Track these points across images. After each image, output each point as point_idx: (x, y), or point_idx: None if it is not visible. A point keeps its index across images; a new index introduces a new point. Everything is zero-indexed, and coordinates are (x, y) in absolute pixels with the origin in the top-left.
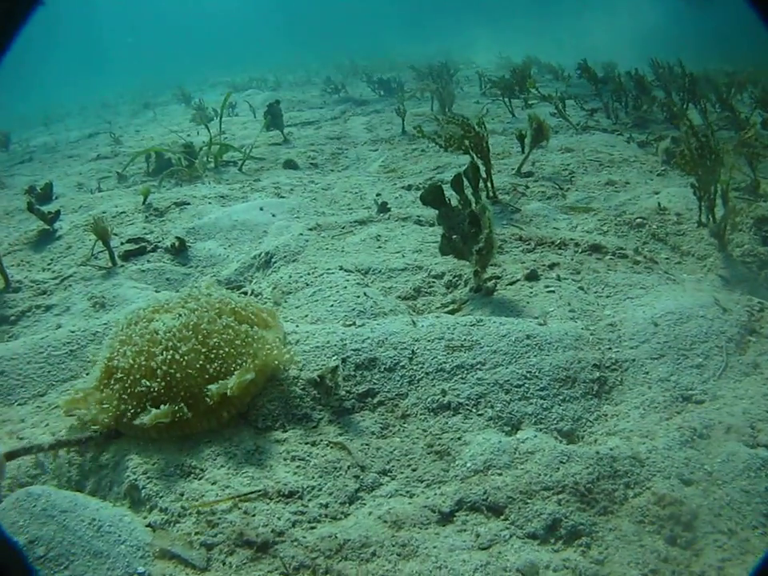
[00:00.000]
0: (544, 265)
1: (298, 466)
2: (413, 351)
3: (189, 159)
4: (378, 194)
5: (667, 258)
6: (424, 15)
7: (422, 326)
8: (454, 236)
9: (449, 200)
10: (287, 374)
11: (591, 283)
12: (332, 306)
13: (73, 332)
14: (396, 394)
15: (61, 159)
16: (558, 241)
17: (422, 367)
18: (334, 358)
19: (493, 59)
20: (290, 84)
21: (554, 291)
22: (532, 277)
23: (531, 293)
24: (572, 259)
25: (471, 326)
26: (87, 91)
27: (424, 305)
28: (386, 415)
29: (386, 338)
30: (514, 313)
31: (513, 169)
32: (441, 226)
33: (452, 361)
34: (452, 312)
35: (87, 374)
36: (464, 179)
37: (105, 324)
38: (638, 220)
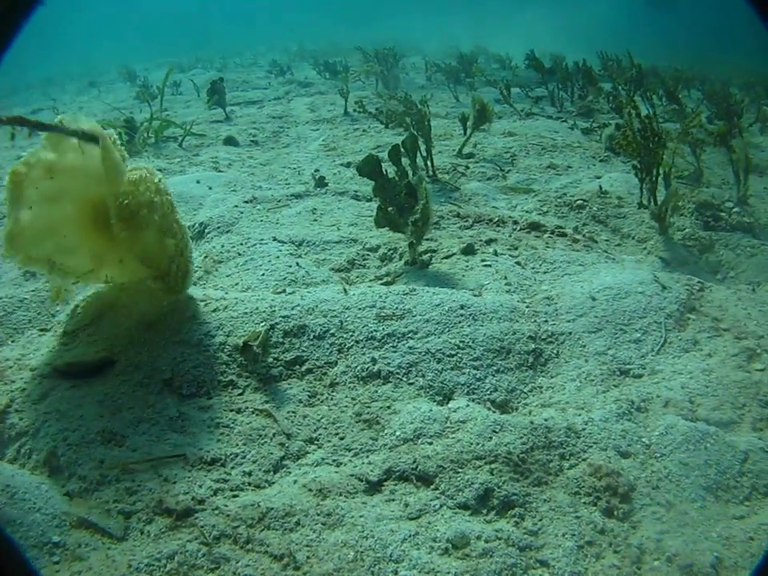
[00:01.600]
0: (481, 240)
1: (221, 434)
2: (342, 319)
3: (129, 134)
4: (316, 170)
5: (607, 240)
6: (374, 5)
7: (353, 294)
8: (390, 208)
9: (386, 172)
10: (213, 341)
11: (529, 259)
12: (263, 275)
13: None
14: (325, 362)
15: (1, 134)
16: (497, 218)
17: (352, 335)
18: (262, 324)
19: (441, 48)
20: (236, 65)
21: (490, 266)
22: (468, 251)
23: (467, 266)
24: (510, 236)
25: (404, 294)
26: (34, 69)
27: (357, 277)
28: (314, 383)
29: (316, 306)
30: (449, 285)
31: (454, 150)
32: (377, 197)
33: (383, 329)
34: (386, 285)
35: (12, 341)
36: (401, 150)
37: (33, 291)
38: (579, 202)
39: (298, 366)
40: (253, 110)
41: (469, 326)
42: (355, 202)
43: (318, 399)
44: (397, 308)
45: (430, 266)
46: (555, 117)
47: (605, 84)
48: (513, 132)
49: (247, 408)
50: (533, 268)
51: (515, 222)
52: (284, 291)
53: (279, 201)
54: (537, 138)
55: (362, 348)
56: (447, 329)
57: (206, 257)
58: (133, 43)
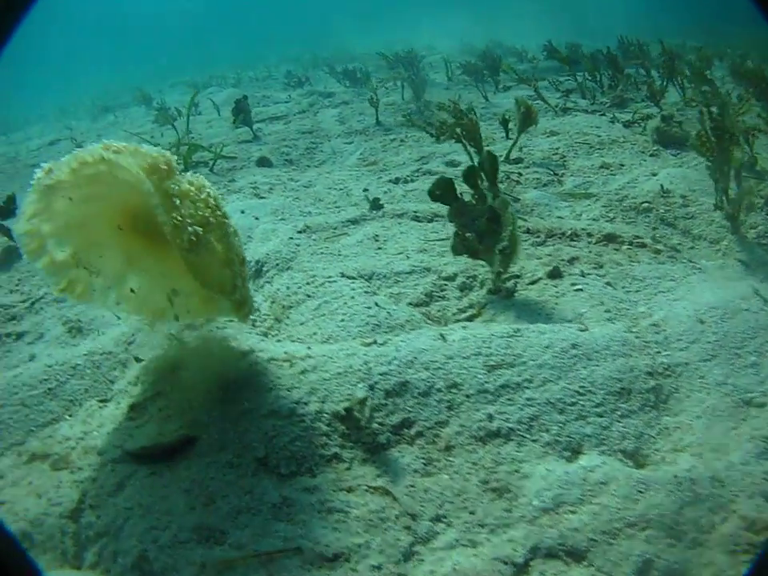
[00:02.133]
0: (562, 259)
1: (337, 520)
2: (447, 371)
3: None
4: (365, 190)
5: (679, 243)
6: (374, 7)
7: (453, 340)
8: (468, 234)
9: (461, 194)
10: (307, 409)
11: (617, 278)
12: (342, 320)
13: (50, 366)
14: (435, 423)
15: (23, 169)
16: (569, 231)
17: (461, 389)
18: (359, 385)
19: (454, 45)
20: (251, 80)
21: (581, 290)
22: (555, 274)
23: (557, 292)
24: (589, 251)
25: (509, 337)
26: (45, 98)
27: (439, 311)
28: (427, 448)
29: (415, 358)
30: (542, 317)
31: (500, 155)
32: (452, 223)
33: (495, 380)
34: (471, 318)
35: (69, 416)
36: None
37: (86, 354)
38: (645, 204)
39: (406, 430)
40: (279, 125)
41: (584, 367)
42: (417, 224)
43: (435, 467)
44: (505, 354)
45: (516, 294)
46: (591, 110)
47: (629, 70)
48: (555, 131)
49: (359, 486)
50: (623, 287)
51: (589, 235)
52: (374, 342)
53: (335, 228)
54: (580, 135)
55: (475, 403)
56: (563, 373)
57: (273, 302)
58: (139, 66)
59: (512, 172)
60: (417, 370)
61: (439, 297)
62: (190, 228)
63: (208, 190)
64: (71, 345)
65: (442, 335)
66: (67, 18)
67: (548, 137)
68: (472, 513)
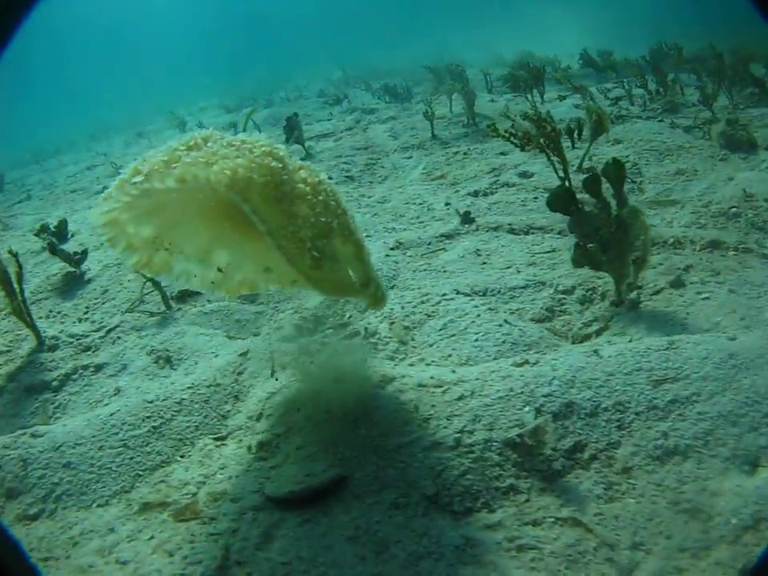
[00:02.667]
0: (678, 268)
1: (532, 559)
2: (611, 389)
3: None
4: (447, 204)
5: None
6: (398, 24)
7: (608, 356)
8: (590, 245)
9: (581, 204)
10: (474, 438)
11: (737, 284)
12: (476, 340)
13: (151, 402)
14: (607, 444)
15: (63, 195)
16: (671, 240)
17: (628, 407)
18: (526, 409)
19: (483, 57)
20: (282, 100)
21: (708, 298)
22: (678, 284)
23: (684, 302)
24: (700, 259)
25: (665, 350)
26: (73, 125)
27: (563, 326)
28: (604, 472)
29: (574, 376)
30: (678, 327)
31: (572, 165)
32: (573, 233)
33: (663, 396)
34: (600, 332)
35: (181, 457)
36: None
37: (190, 387)
38: (732, 210)
39: (578, 454)
40: (330, 143)
41: (745, 377)
42: (514, 237)
43: (618, 491)
44: (667, 368)
45: (641, 306)
46: (645, 117)
47: (672, 75)
48: (618, 139)
49: (545, 518)
50: (745, 294)
51: (692, 242)
52: (526, 362)
53: (429, 243)
54: (645, 142)
55: (646, 421)
56: (727, 385)
57: (392, 323)
58: (164, 91)
59: None
60: (579, 390)
61: (560, 311)
62: (311, 252)
63: (325, 186)
64: (161, 376)
65: (595, 351)
66: (92, 47)
67: (613, 145)
68: (668, 537)
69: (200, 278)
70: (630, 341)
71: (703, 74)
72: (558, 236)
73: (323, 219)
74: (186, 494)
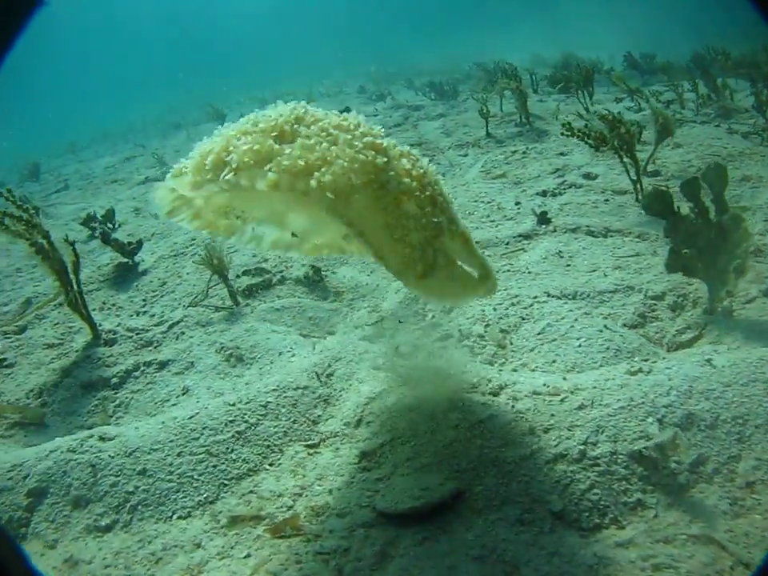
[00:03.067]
0: (766, 276)
1: None
2: (728, 400)
3: None
4: (516, 203)
5: None
6: (436, 23)
7: (722, 366)
8: (685, 250)
9: (678, 209)
10: (599, 450)
11: None
12: (580, 346)
13: (233, 405)
14: (728, 458)
15: (103, 185)
16: (752, 248)
17: (747, 420)
18: (649, 420)
19: (524, 57)
20: (322, 95)
21: None
22: None
23: None
24: None
25: None
26: (106, 117)
27: (656, 332)
28: (727, 486)
29: (691, 386)
30: None
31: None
32: (668, 238)
33: None
34: (694, 340)
35: (270, 465)
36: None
37: (275, 390)
38: None
39: (701, 467)
40: None
41: None
42: (595, 240)
43: (743, 507)
44: None
45: (734, 314)
46: (700, 121)
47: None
48: (678, 143)
49: (676, 535)
50: None
51: None
52: (640, 370)
53: (507, 243)
54: (705, 147)
55: (766, 434)
56: None
57: (486, 325)
58: (200, 84)
59: (659, 185)
60: (697, 401)
61: (652, 317)
62: (422, 261)
63: (430, 177)
64: (233, 376)
65: (708, 361)
66: (128, 39)
67: (673, 149)
68: None
69: (271, 241)
70: (737, 350)
71: (758, 79)
72: (638, 239)
73: (434, 219)
74: (281, 506)
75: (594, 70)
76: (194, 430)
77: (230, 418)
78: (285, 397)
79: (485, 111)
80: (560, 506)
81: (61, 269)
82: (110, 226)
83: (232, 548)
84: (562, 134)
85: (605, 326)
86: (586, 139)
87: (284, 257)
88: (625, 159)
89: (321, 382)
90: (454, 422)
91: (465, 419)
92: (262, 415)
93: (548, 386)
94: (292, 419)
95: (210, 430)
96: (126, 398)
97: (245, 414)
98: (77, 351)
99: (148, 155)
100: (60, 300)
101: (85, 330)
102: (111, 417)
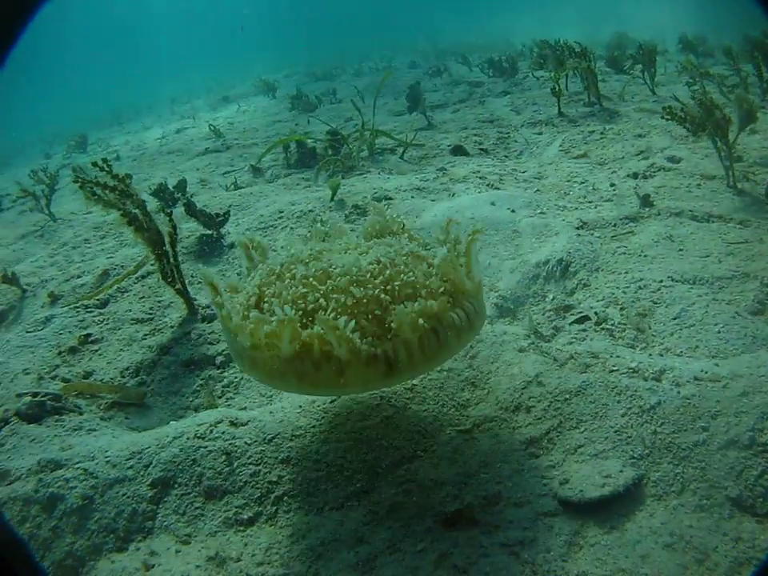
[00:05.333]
0: None
1: None
2: None
3: (336, 148)
4: (612, 185)
5: None
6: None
7: None
8: None
9: None
10: (766, 437)
11: None
12: (719, 332)
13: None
14: None
15: (159, 156)
16: None
17: None
18: None
19: (568, 37)
20: (371, 70)
21: None
22: None
23: None
24: None
25: None
26: (152, 88)
27: None
28: None
29: None
30: None
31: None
32: None
33: None
34: None
35: (423, 451)
36: None
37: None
38: None
39: None
40: (447, 114)
41: None
42: (701, 225)
43: None
44: None
45: None
46: None
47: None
48: (753, 129)
49: None
50: None
51: None
52: None
53: (615, 225)
54: None
55: None
56: None
57: (621, 308)
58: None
59: (747, 171)
60: None
61: None
62: None
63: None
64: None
65: None
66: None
67: (749, 134)
68: None
69: None
70: None
71: None
72: (740, 226)
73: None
74: (446, 496)
75: (656, 51)
76: (338, 415)
77: (375, 402)
78: (429, 379)
79: (557, 90)
80: (737, 491)
81: (158, 240)
82: (182, 196)
83: (401, 541)
84: (662, 117)
85: (737, 313)
86: (685, 124)
87: None
88: (719, 144)
89: (466, 364)
90: (624, 408)
91: (633, 405)
92: (408, 398)
93: (706, 372)
94: (440, 403)
95: (358, 414)
96: (235, 377)
97: (390, 399)
98: (172, 327)
99: (200, 127)
100: (142, 272)
101: (177, 305)
102: (220, 398)
